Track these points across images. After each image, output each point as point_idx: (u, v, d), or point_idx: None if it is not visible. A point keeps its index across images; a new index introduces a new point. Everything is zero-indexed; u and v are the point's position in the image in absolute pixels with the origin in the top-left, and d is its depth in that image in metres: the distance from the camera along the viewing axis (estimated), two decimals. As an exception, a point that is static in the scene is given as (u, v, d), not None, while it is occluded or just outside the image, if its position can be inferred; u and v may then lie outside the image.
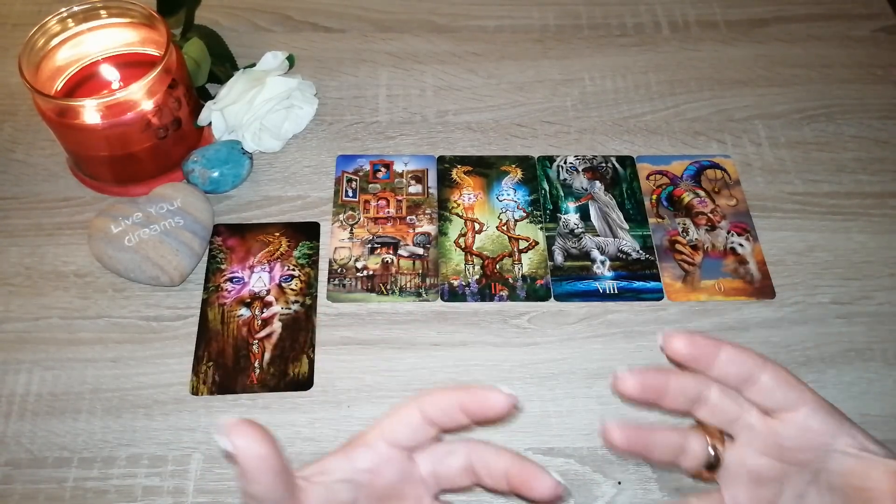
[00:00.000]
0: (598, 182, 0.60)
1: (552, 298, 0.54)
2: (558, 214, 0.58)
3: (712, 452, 0.37)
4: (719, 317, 0.53)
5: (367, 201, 0.58)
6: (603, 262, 0.55)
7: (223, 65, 0.62)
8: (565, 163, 0.61)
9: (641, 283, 0.54)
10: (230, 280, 0.54)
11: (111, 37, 0.57)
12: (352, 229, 0.57)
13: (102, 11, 0.56)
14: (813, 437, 0.36)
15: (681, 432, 0.38)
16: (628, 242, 0.56)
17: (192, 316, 0.52)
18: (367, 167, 0.60)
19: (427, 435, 0.35)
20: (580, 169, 0.60)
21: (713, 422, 0.37)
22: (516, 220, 0.58)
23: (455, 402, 0.34)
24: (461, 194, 0.59)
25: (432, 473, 0.36)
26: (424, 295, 0.54)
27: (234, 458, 0.30)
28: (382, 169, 0.60)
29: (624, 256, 0.56)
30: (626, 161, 0.61)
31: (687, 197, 0.59)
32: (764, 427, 0.36)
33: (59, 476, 0.46)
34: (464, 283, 0.54)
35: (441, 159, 0.61)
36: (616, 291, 0.54)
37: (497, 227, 0.57)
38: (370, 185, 0.59)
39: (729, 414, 0.37)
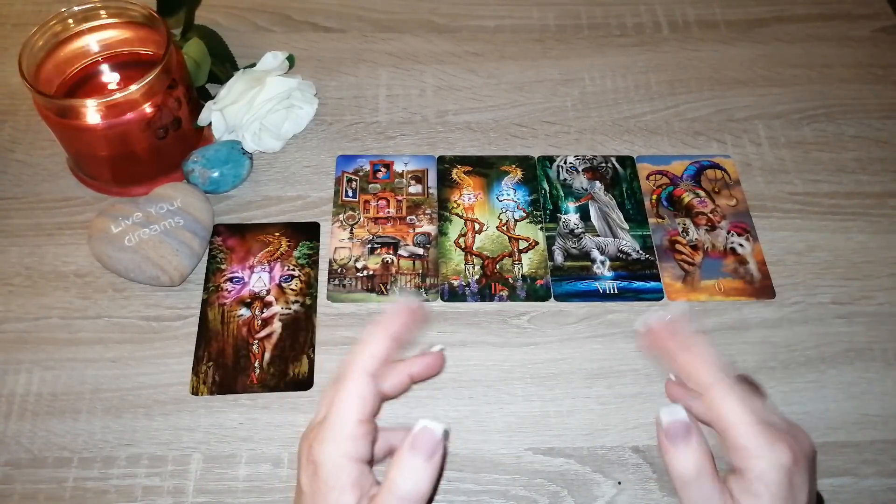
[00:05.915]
0: (598, 182, 0.60)
1: (552, 298, 0.54)
2: (558, 214, 0.58)
3: None
4: (719, 317, 0.53)
5: (367, 201, 0.58)
6: (603, 262, 0.55)
7: (223, 65, 0.62)
8: (565, 163, 0.61)
9: (641, 283, 0.54)
10: (230, 280, 0.54)
11: (111, 37, 0.57)
12: (352, 229, 0.57)
13: (102, 11, 0.56)
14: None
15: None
16: (628, 242, 0.56)
17: (192, 316, 0.52)
18: (367, 167, 0.60)
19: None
20: (580, 169, 0.60)
21: None
22: (516, 220, 0.58)
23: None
24: (461, 194, 0.59)
25: None
26: (424, 295, 0.54)
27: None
28: (382, 169, 0.60)
29: (624, 256, 0.56)
30: (626, 161, 0.61)
31: (687, 197, 0.59)
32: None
33: (59, 476, 0.46)
34: (464, 283, 0.54)
35: (441, 159, 0.61)
36: (616, 291, 0.54)
37: (497, 227, 0.57)
38: (370, 185, 0.59)
39: None
